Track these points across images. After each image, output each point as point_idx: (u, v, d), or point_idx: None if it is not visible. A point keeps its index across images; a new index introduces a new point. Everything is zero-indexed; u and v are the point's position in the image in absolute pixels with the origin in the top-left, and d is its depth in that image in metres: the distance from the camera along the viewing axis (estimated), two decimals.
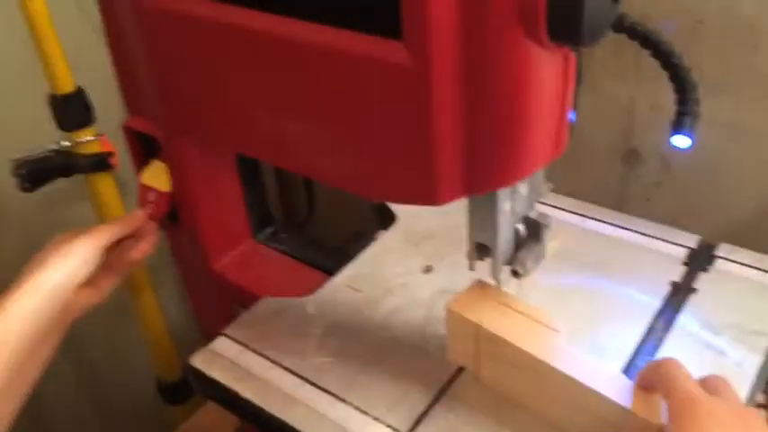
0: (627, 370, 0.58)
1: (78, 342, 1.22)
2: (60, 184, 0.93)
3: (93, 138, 0.99)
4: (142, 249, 0.66)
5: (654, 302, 0.64)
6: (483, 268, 0.57)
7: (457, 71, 0.43)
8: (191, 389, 1.22)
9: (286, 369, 0.61)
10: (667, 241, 0.70)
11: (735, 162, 1.03)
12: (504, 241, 0.55)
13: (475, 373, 0.59)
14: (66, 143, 0.96)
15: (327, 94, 0.50)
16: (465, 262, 0.58)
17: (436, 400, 0.57)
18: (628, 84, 1.07)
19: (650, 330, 0.61)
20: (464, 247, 0.57)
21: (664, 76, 0.59)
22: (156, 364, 1.18)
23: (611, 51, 1.09)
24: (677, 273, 0.66)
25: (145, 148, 0.73)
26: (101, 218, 1.08)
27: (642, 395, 0.48)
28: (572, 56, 0.46)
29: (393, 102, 0.46)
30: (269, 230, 0.82)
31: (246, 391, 0.59)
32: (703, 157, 1.07)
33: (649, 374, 0.48)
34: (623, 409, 0.48)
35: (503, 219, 0.53)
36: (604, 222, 0.74)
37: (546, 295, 0.64)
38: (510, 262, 0.57)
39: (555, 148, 0.50)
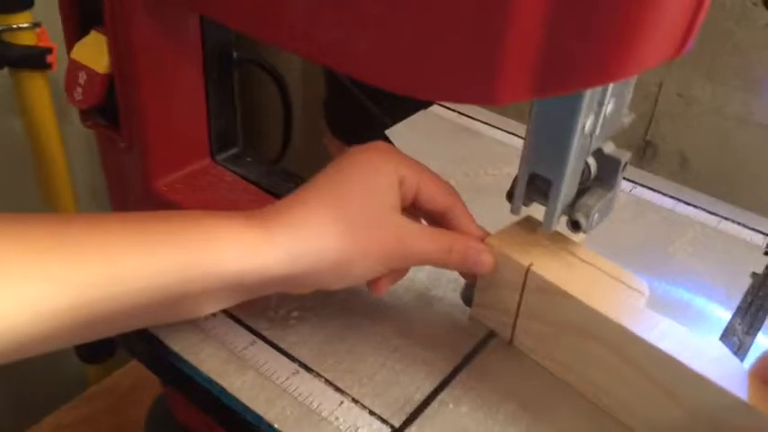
0: None
1: None
2: None
3: (28, 25, 0.83)
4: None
5: (728, 300, 0.48)
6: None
7: None
8: (110, 346, 1.06)
9: (235, 320, 0.44)
10: (740, 224, 0.55)
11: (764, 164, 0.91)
12: (571, 176, 0.39)
13: (509, 340, 0.43)
14: None
15: None
16: (477, 216, 0.43)
17: (445, 383, 0.41)
18: (658, 67, 0.94)
19: (723, 338, 0.46)
20: (478, 196, 0.41)
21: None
22: None
23: None
24: (756, 261, 0.51)
25: (83, 14, 0.55)
26: (27, 127, 0.90)
27: (761, 386, 0.34)
28: None
29: None
30: (233, 151, 0.64)
31: (172, 341, 0.42)
32: (728, 157, 0.95)
33: None
34: (736, 402, 0.33)
35: (578, 141, 0.37)
36: (660, 193, 0.58)
37: None
38: (570, 210, 0.41)
39: (680, 42, 0.34)
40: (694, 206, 0.57)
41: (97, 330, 0.36)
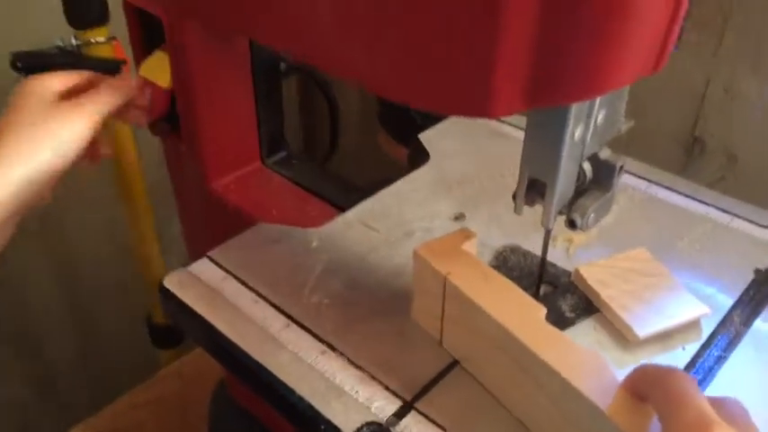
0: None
1: (71, 270, 1.14)
2: None
3: (104, 39, 0.90)
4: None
5: (729, 293, 0.51)
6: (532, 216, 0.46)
7: None
8: (179, 333, 1.14)
9: (273, 306, 0.50)
10: (753, 222, 0.58)
11: None
12: (564, 179, 0.43)
13: (439, 342, 0.48)
14: (75, 42, 0.88)
15: None
16: (503, 215, 0.47)
17: (453, 365, 0.46)
18: (705, 62, 0.94)
19: (721, 327, 0.49)
20: (505, 196, 0.46)
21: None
22: (148, 300, 1.09)
23: (689, 23, 0.97)
24: (763, 259, 0.54)
25: (148, 34, 0.62)
26: (105, 137, 0.99)
27: (627, 399, 0.36)
28: None
29: None
30: (281, 155, 0.71)
31: (221, 323, 0.49)
32: None
33: (644, 382, 0.35)
34: (596, 410, 0.36)
35: (569, 148, 0.42)
36: (675, 192, 0.61)
37: None
38: (568, 209, 0.45)
39: (655, 60, 0.38)
40: (706, 203, 0.59)
41: None
